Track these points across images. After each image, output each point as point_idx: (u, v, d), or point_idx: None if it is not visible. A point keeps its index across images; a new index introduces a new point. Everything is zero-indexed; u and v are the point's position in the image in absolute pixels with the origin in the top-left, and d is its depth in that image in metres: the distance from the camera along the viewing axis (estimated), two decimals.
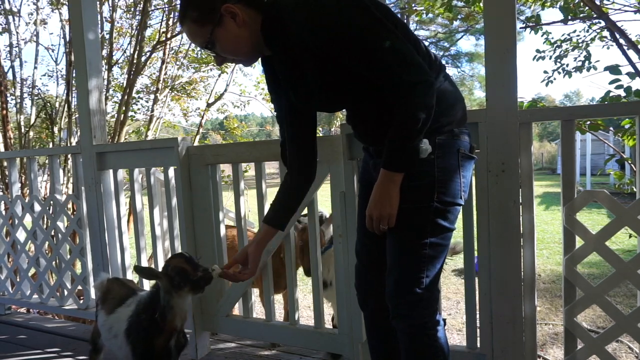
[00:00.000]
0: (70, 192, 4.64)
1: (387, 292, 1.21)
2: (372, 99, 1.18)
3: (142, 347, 1.45)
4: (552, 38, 4.73)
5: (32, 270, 2.79)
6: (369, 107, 1.21)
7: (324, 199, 1.85)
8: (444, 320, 1.24)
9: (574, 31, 5.05)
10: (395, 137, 1.10)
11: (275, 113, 1.41)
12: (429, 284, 1.19)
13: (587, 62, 4.39)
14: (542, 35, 4.70)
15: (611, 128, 2.74)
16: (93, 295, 2.44)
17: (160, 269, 1.46)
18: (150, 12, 5.21)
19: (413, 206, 1.15)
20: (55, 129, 5.11)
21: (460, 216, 1.27)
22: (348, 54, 1.10)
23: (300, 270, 2.36)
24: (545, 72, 4.95)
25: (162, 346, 1.45)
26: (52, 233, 2.64)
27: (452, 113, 1.18)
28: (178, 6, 1.18)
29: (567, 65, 4.70)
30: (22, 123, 5.22)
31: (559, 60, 4.75)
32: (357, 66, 1.11)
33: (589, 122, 2.45)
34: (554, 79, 4.92)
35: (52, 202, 2.60)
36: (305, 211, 1.88)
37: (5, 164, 3.81)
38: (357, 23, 1.07)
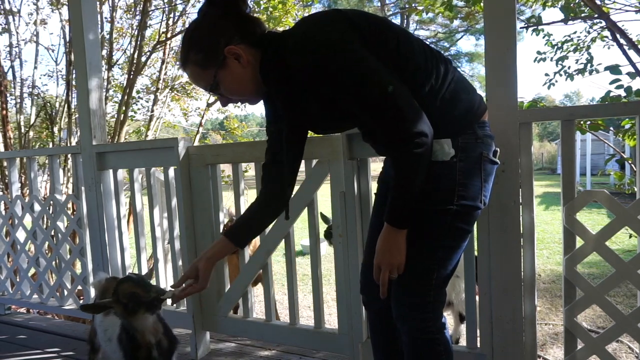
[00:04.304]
0: (70, 192, 4.64)
1: (393, 293, 1.20)
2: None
3: (129, 358, 1.44)
4: (554, 40, 4.72)
5: (32, 270, 2.79)
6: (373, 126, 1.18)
7: (324, 198, 1.85)
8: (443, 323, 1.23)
9: (575, 32, 5.04)
10: (397, 194, 1.09)
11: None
12: (436, 288, 1.18)
13: (589, 64, 4.37)
14: (543, 37, 4.69)
15: (611, 128, 2.74)
16: (93, 295, 2.44)
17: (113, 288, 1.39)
18: (150, 12, 5.21)
19: (432, 208, 1.13)
20: (55, 129, 5.11)
21: None
22: (347, 100, 1.09)
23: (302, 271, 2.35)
24: (547, 74, 4.93)
25: (145, 357, 1.41)
26: (52, 233, 2.64)
27: (468, 99, 1.16)
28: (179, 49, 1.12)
29: (569, 67, 4.68)
30: (22, 123, 5.22)
31: (560, 62, 4.73)
32: (357, 111, 1.10)
33: (589, 122, 2.44)
34: (556, 81, 4.90)
35: (52, 202, 2.60)
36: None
37: (5, 164, 3.81)
38: (356, 71, 1.04)
